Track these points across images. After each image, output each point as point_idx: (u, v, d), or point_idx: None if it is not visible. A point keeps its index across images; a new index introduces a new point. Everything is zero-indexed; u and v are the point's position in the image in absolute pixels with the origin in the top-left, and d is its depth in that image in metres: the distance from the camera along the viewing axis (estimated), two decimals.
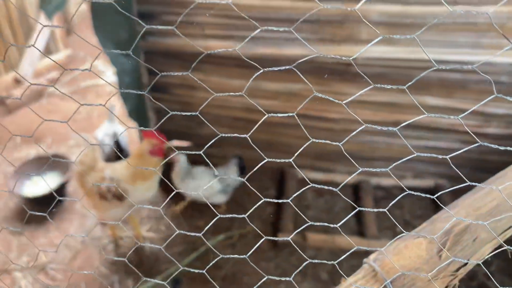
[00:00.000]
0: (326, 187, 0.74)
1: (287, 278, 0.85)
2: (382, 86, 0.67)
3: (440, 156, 0.55)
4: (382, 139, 2.84)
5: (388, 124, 2.73)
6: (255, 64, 0.80)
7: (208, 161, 0.86)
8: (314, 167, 3.05)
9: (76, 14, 5.03)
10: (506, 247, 0.74)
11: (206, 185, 2.56)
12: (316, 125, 2.84)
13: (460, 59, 2.39)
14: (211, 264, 1.03)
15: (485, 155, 2.75)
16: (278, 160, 0.69)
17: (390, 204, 0.79)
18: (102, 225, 2.70)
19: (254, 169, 0.88)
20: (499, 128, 2.65)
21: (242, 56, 0.85)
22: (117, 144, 2.99)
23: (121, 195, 2.27)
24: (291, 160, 0.77)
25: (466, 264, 0.70)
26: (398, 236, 0.74)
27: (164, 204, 2.10)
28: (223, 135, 0.77)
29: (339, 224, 0.78)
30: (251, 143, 0.74)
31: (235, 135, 0.74)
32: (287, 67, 0.72)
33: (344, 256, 0.87)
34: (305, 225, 0.81)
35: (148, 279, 0.92)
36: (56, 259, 2.53)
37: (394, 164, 0.79)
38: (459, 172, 0.69)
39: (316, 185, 0.74)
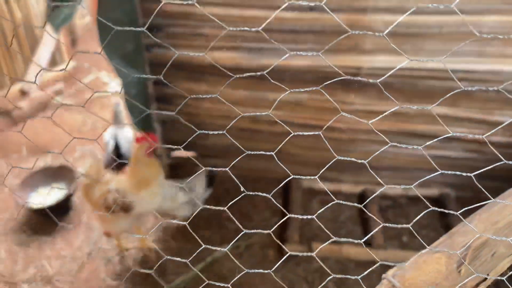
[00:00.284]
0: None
1: None
2: (408, 106, 0.68)
3: (464, 174, 0.55)
4: (389, 148, 2.84)
5: (393, 133, 2.73)
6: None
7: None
8: (320, 177, 3.03)
9: (80, 27, 5.08)
10: None
11: (170, 197, 2.50)
12: (324, 135, 2.83)
13: (465, 67, 2.39)
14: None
15: (491, 163, 2.74)
16: (304, 177, 0.70)
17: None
18: (108, 237, 2.70)
19: (280, 185, 0.88)
20: (504, 136, 2.64)
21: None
22: (117, 148, 2.99)
23: (127, 207, 2.27)
24: (316, 177, 0.77)
25: (485, 279, 0.70)
26: (418, 254, 0.74)
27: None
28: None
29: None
30: (277, 159, 0.74)
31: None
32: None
33: (369, 270, 0.86)
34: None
35: None
36: (62, 271, 2.52)
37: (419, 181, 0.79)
38: (480, 187, 0.68)
39: (344, 202, 0.74)
